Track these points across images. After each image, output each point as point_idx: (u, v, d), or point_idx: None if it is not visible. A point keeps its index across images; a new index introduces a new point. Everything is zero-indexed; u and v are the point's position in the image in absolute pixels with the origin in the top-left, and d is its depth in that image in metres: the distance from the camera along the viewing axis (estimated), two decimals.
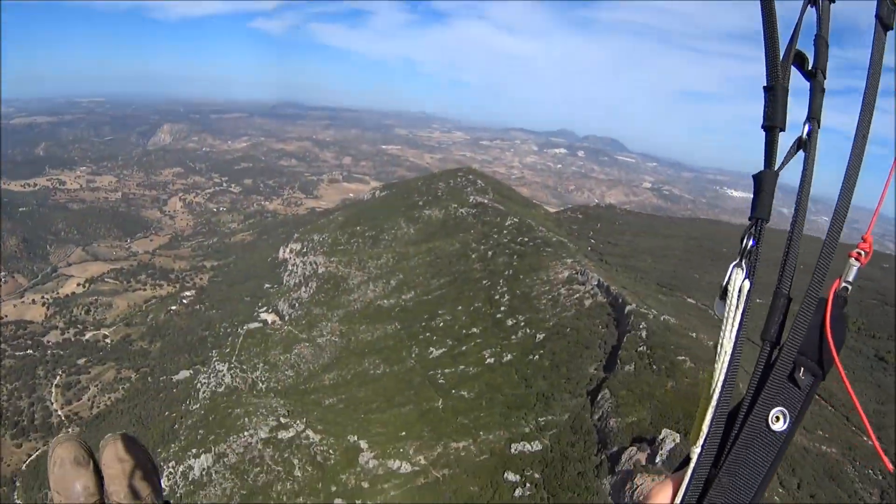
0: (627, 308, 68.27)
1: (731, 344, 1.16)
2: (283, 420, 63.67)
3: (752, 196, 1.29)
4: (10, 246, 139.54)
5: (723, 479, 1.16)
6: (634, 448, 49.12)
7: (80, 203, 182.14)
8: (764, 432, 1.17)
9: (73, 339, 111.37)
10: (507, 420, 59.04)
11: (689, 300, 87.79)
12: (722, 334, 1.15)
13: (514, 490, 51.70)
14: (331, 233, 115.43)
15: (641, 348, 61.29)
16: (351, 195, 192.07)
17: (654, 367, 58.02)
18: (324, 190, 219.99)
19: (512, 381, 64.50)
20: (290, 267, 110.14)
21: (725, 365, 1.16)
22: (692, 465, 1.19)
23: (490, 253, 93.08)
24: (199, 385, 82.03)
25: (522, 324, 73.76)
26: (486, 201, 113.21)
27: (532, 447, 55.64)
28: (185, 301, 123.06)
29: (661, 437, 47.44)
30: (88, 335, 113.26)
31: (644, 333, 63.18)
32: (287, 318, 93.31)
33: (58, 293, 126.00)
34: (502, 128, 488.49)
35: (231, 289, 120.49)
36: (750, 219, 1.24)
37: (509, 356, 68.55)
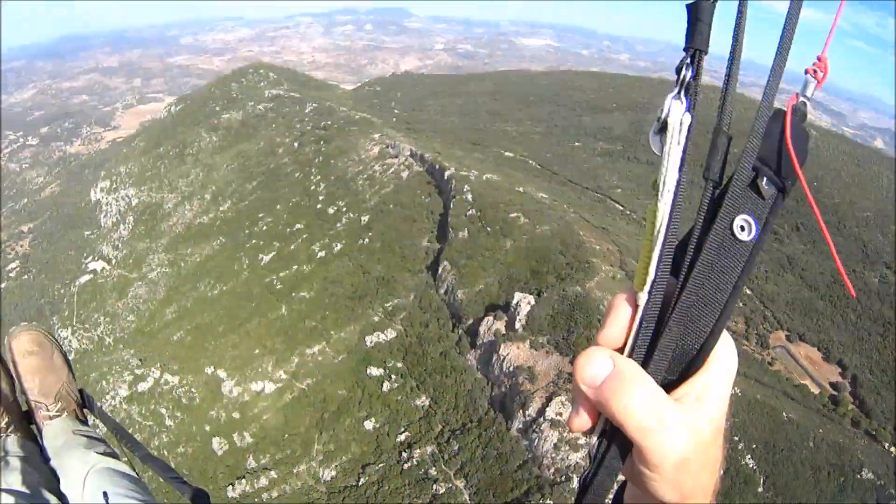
0: (447, 173, 66.07)
1: (675, 180, 1.05)
2: (137, 371, 59.81)
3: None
4: None
5: (673, 328, 1.05)
6: (490, 318, 47.57)
7: None
8: (729, 242, 1.04)
9: None
10: (353, 313, 56.55)
11: (506, 154, 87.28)
12: (663, 170, 1.05)
13: (381, 384, 49.62)
14: (135, 161, 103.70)
15: (471, 212, 59.16)
16: (149, 117, 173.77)
17: (488, 228, 56.85)
18: (120, 118, 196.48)
19: (348, 271, 61.64)
20: (104, 207, 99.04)
21: (669, 203, 1.05)
22: (640, 312, 1.08)
23: (296, 144, 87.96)
24: None
25: (344, 209, 70.18)
26: (281, 93, 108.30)
27: (387, 336, 53.32)
28: (11, 275, 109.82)
29: (514, 301, 46.46)
30: None
31: (470, 196, 61.00)
32: (114, 261, 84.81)
33: None
34: (285, 15, 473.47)
35: (55, 247, 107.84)
36: (685, 49, 1.07)
37: (339, 245, 65.41)
